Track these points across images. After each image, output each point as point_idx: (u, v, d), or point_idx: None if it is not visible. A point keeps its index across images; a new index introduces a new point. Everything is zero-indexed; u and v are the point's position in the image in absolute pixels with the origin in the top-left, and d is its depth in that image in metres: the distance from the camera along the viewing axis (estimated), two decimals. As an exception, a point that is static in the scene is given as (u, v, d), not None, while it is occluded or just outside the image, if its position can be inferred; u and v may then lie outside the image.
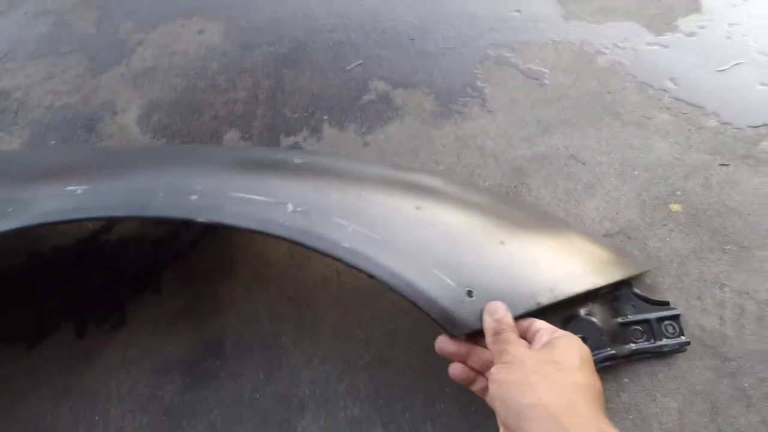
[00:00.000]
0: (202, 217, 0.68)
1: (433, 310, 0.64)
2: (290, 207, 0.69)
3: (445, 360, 0.75)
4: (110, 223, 1.06)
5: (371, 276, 0.65)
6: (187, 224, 1.01)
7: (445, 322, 0.64)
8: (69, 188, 0.71)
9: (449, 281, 0.66)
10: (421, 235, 0.70)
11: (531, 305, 0.67)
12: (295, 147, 1.18)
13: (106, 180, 0.76)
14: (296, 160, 0.83)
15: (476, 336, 0.66)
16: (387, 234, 0.69)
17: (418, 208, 0.74)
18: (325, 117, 1.24)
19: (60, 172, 0.81)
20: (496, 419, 0.55)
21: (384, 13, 1.52)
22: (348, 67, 1.36)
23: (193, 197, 0.70)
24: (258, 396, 0.82)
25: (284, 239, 0.67)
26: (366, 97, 1.28)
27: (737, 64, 1.29)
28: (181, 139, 1.23)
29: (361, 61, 1.37)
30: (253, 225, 0.67)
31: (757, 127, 1.14)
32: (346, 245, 0.66)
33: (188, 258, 0.99)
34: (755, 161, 1.07)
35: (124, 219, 0.98)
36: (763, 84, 1.23)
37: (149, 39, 1.53)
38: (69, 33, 1.58)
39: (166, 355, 0.87)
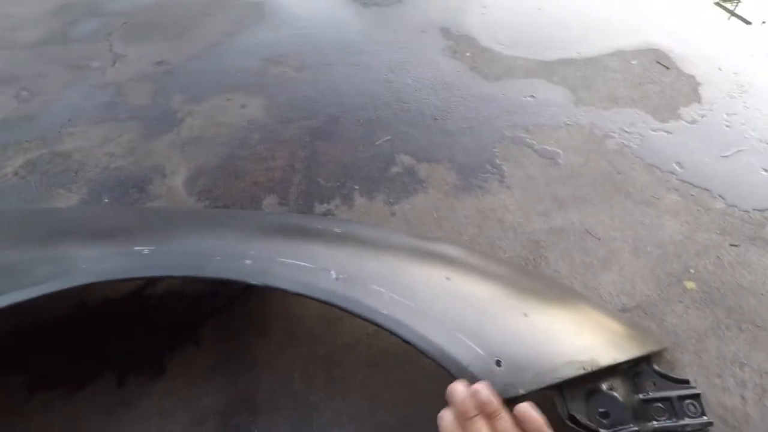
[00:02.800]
0: (254, 280, 0.75)
1: (464, 376, 0.68)
2: (333, 274, 0.76)
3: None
4: (153, 279, 1.13)
5: (407, 342, 0.70)
6: (225, 282, 1.08)
7: (475, 390, 0.68)
8: (136, 248, 0.80)
9: (479, 350, 0.71)
10: (451, 304, 0.76)
11: (554, 378, 0.71)
12: (328, 213, 1.27)
13: (169, 242, 0.85)
14: (336, 230, 0.91)
15: (507, 405, 0.70)
16: (420, 302, 0.75)
17: (448, 279, 0.81)
18: (356, 187, 1.34)
19: (125, 232, 0.90)
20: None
21: (408, 95, 1.68)
22: (377, 142, 1.49)
23: (248, 261, 0.78)
24: (288, 455, 0.85)
25: (328, 303, 0.73)
26: (393, 170, 1.39)
27: (739, 150, 1.39)
28: (224, 202, 1.33)
29: (388, 137, 1.50)
30: (299, 289, 0.74)
31: (762, 210, 1.21)
32: (385, 311, 0.72)
33: (225, 315, 1.05)
34: (764, 242, 1.13)
35: (185, 278, 1.06)
36: (765, 170, 1.32)
37: (197, 111, 1.69)
38: (126, 103, 1.77)
39: (201, 407, 0.91)
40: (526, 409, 0.58)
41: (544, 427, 0.57)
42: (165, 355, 0.99)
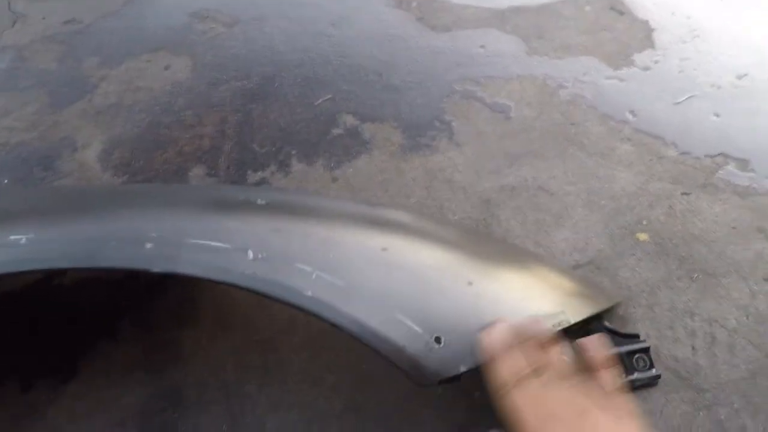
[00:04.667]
0: (156, 267, 0.64)
1: (400, 359, 0.61)
2: (251, 254, 0.66)
3: (420, 402, 0.72)
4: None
5: (334, 325, 0.62)
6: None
7: (413, 372, 0.61)
8: (12, 237, 0.67)
9: (416, 328, 0.63)
10: (386, 279, 0.68)
11: (502, 347, 0.66)
12: (263, 182, 1.15)
13: (54, 227, 0.72)
14: (260, 201, 0.80)
15: (447, 383, 0.64)
16: (351, 279, 0.66)
17: (384, 249, 0.72)
18: (294, 152, 1.22)
19: (6, 218, 0.76)
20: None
21: (350, 50, 1.54)
22: (316, 102, 1.36)
23: (148, 245, 0.66)
24: (220, 451, 0.77)
25: (244, 289, 0.63)
26: (334, 132, 1.27)
27: (691, 96, 1.35)
28: (144, 176, 1.19)
29: (329, 96, 1.37)
30: (210, 275, 0.64)
31: (713, 156, 1.18)
32: (309, 293, 0.63)
33: (147, 302, 0.94)
34: (714, 189, 1.11)
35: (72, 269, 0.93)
36: (716, 115, 1.29)
37: (113, 75, 1.50)
38: (28, 69, 1.54)
39: (120, 407, 0.81)
40: (588, 340, 0.60)
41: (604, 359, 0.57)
42: (78, 353, 0.88)
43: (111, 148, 1.26)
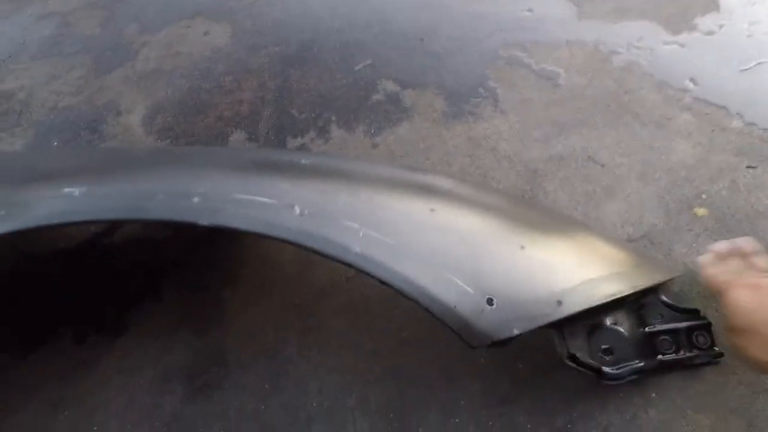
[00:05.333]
0: (203, 220, 0.64)
1: (451, 319, 0.60)
2: (297, 210, 0.65)
3: (462, 371, 0.70)
4: (113, 225, 1.02)
5: (383, 283, 0.60)
6: (191, 227, 0.97)
7: (464, 333, 0.60)
8: (66, 190, 0.68)
9: (468, 288, 0.61)
10: (436, 239, 0.66)
11: (555, 314, 0.63)
12: (303, 148, 1.14)
13: (106, 182, 0.73)
14: (303, 161, 0.79)
15: (498, 347, 0.62)
16: (400, 238, 0.64)
17: (432, 210, 0.70)
18: (333, 118, 1.20)
19: (60, 174, 0.78)
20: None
21: (390, 15, 1.49)
22: (356, 68, 1.33)
23: (196, 199, 0.66)
24: (263, 408, 0.78)
25: (290, 243, 0.63)
26: (374, 98, 1.24)
27: (760, 63, 1.24)
28: (186, 140, 1.19)
29: (369, 62, 1.34)
30: (257, 228, 0.63)
31: (783, 127, 1.09)
32: (357, 250, 0.62)
33: (192, 262, 0.96)
34: (783, 163, 1.02)
35: (122, 222, 0.95)
36: (788, 83, 1.19)
37: (154, 41, 1.50)
38: (72, 35, 1.57)
39: (167, 364, 0.83)
40: None
41: None
42: (126, 310, 0.90)
43: (153, 113, 1.28)
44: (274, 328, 0.87)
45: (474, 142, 1.12)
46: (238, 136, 1.18)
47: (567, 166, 1.06)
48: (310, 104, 1.24)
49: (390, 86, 1.27)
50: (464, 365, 0.78)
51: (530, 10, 1.47)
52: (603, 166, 1.05)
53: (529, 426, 0.74)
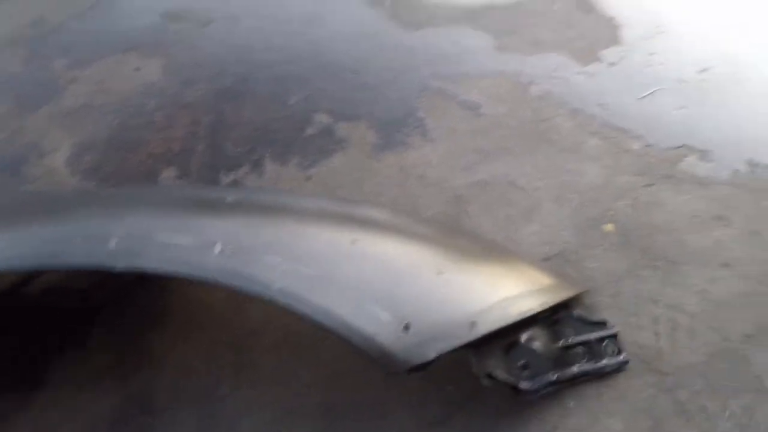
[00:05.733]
0: (120, 264, 0.63)
1: (370, 348, 0.62)
2: (219, 248, 0.66)
3: (393, 398, 0.72)
4: (32, 273, 0.98)
5: (303, 316, 0.62)
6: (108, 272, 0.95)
7: (383, 360, 0.62)
8: (-29, 240, 0.65)
9: (386, 315, 0.64)
10: (356, 269, 0.69)
11: (470, 335, 0.67)
12: (236, 184, 1.15)
13: (17, 228, 0.71)
14: (228, 198, 0.81)
15: (418, 371, 0.65)
16: (321, 270, 0.67)
17: (354, 241, 0.73)
18: (268, 152, 1.22)
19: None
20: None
21: (325, 48, 1.55)
22: (291, 101, 1.36)
23: (113, 243, 0.66)
24: (194, 452, 0.77)
25: (211, 283, 0.63)
26: (309, 131, 1.28)
27: (656, 90, 1.39)
28: (114, 180, 1.17)
29: (304, 94, 1.38)
30: (176, 269, 0.64)
31: (676, 148, 1.22)
32: (278, 285, 0.63)
33: (118, 306, 0.93)
34: (677, 180, 1.14)
35: (33, 270, 0.91)
36: (680, 108, 1.33)
37: (83, 76, 1.47)
38: (-7, 72, 1.51)
39: (90, 416, 0.80)
40: None
41: None
42: (47, 361, 0.86)
43: (80, 151, 1.24)
44: (206, 368, 0.86)
45: (404, 171, 1.17)
46: (169, 174, 1.17)
47: (490, 191, 1.13)
48: (244, 138, 1.25)
49: (324, 119, 1.31)
50: (396, 392, 0.81)
51: (455, 43, 1.57)
52: (522, 190, 1.13)
53: (457, 447, 0.77)
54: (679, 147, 1.21)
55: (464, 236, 0.97)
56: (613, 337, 0.85)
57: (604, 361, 0.83)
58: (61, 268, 0.68)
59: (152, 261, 0.64)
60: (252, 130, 1.28)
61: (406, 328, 0.64)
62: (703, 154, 1.18)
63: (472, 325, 0.68)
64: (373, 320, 0.63)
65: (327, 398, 0.80)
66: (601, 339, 0.85)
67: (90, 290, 0.95)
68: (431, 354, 0.64)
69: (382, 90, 1.41)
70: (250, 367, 0.84)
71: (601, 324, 0.86)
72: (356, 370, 0.83)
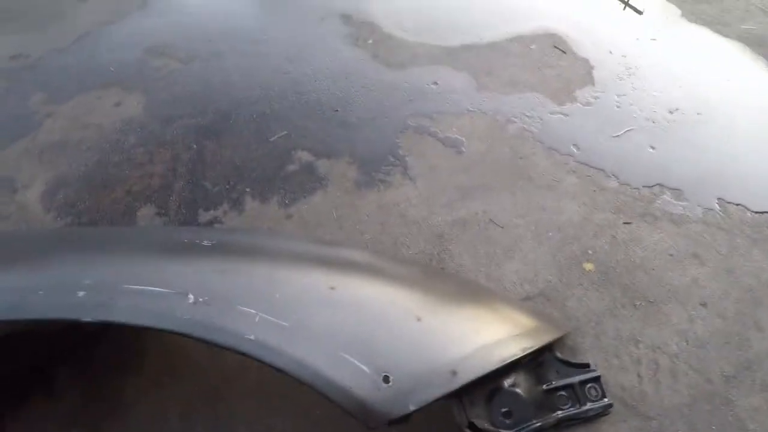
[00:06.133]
0: (89, 317, 0.61)
1: (347, 401, 0.60)
2: (191, 298, 0.64)
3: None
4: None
5: (278, 369, 0.60)
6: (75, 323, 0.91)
7: (361, 414, 0.60)
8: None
9: (363, 367, 0.62)
10: (333, 318, 0.67)
11: (450, 385, 0.65)
12: (215, 222, 1.13)
13: (-22, 277, 0.67)
14: (206, 242, 0.79)
15: (399, 423, 0.63)
16: (296, 320, 0.65)
17: (332, 288, 0.72)
18: (248, 189, 1.21)
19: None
20: None
21: (307, 86, 1.57)
22: (272, 138, 1.36)
23: (81, 293, 0.63)
24: None
25: (182, 335, 0.61)
26: (290, 168, 1.27)
27: (629, 130, 1.44)
28: (89, 217, 1.14)
29: (284, 132, 1.38)
30: (146, 321, 0.61)
31: (651, 186, 1.25)
32: (252, 337, 0.61)
33: (87, 351, 0.89)
34: (653, 218, 1.17)
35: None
36: (652, 147, 1.38)
37: (60, 111, 1.46)
38: (-32, 105, 1.48)
39: (50, 475, 0.75)
40: None
41: None
42: (10, 406, 0.81)
43: (54, 188, 1.21)
44: (180, 417, 0.82)
45: (385, 209, 1.17)
46: (147, 211, 1.15)
47: (470, 229, 1.14)
48: (224, 176, 1.24)
49: (305, 156, 1.31)
50: (376, 441, 0.77)
51: (435, 82, 1.61)
52: (502, 227, 1.14)
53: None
54: (653, 186, 1.25)
55: (445, 278, 0.96)
56: (596, 379, 0.84)
57: (588, 405, 0.82)
58: (25, 321, 0.64)
59: (121, 313, 0.61)
60: (232, 167, 1.28)
61: (386, 380, 0.62)
62: (677, 193, 1.22)
63: (453, 373, 0.67)
64: (350, 372, 0.62)
65: (304, 450, 0.77)
66: (584, 382, 0.84)
67: (59, 334, 0.90)
68: (411, 406, 0.62)
69: (363, 128, 1.42)
70: (227, 415, 0.80)
71: (584, 366, 0.85)
72: (335, 418, 0.80)
